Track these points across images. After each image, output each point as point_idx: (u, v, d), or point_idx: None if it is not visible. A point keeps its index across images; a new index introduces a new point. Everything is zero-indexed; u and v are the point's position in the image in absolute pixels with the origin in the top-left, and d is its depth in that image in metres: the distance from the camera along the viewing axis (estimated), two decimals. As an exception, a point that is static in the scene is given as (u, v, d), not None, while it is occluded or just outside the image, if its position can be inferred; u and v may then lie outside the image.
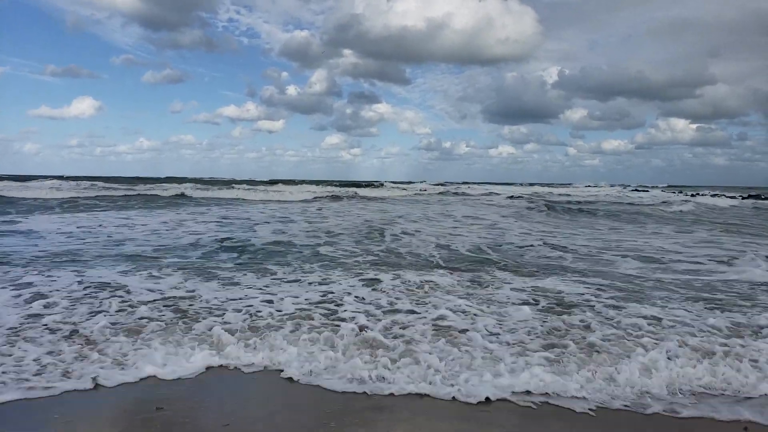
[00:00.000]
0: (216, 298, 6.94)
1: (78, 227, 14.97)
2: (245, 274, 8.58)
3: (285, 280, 8.30)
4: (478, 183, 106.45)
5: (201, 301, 6.77)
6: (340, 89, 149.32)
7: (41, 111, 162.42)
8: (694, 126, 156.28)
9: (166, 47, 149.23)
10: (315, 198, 36.73)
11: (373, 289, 7.59)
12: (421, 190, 52.62)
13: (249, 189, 43.34)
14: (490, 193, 48.97)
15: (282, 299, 6.88)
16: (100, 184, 43.92)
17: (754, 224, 21.61)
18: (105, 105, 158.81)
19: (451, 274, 8.94)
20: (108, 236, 13.07)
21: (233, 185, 49.36)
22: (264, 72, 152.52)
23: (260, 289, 7.58)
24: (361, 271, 9.01)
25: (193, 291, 7.29)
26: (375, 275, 8.63)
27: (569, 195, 46.32)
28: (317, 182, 78.87)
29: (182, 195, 35.37)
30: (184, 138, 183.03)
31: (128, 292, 7.12)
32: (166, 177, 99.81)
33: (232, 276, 8.41)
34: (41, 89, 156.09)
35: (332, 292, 7.35)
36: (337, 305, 6.65)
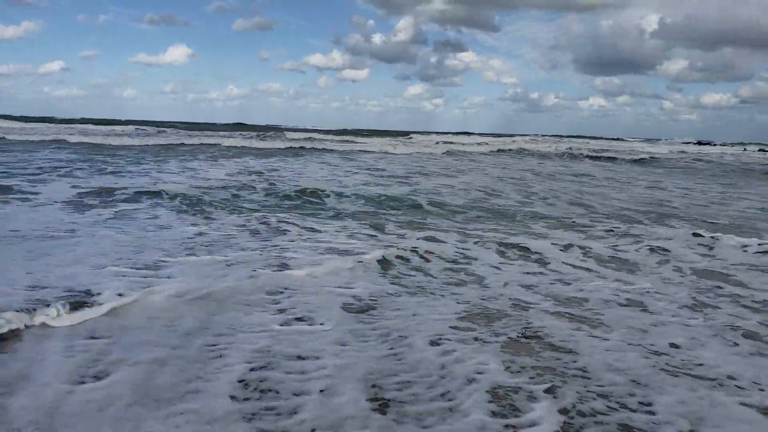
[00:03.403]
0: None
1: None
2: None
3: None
4: (566, 136, 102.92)
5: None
6: (425, 37, 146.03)
7: (139, 58, 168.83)
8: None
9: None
10: (431, 153, 37.09)
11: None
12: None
13: (364, 141, 44.27)
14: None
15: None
16: (203, 132, 45.69)
17: None
18: (197, 52, 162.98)
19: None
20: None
21: (350, 136, 49.99)
22: (350, 20, 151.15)
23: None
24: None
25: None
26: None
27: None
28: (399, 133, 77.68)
29: (302, 148, 36.56)
30: (272, 86, 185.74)
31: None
32: (253, 125, 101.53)
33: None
34: (140, 36, 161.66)
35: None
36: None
